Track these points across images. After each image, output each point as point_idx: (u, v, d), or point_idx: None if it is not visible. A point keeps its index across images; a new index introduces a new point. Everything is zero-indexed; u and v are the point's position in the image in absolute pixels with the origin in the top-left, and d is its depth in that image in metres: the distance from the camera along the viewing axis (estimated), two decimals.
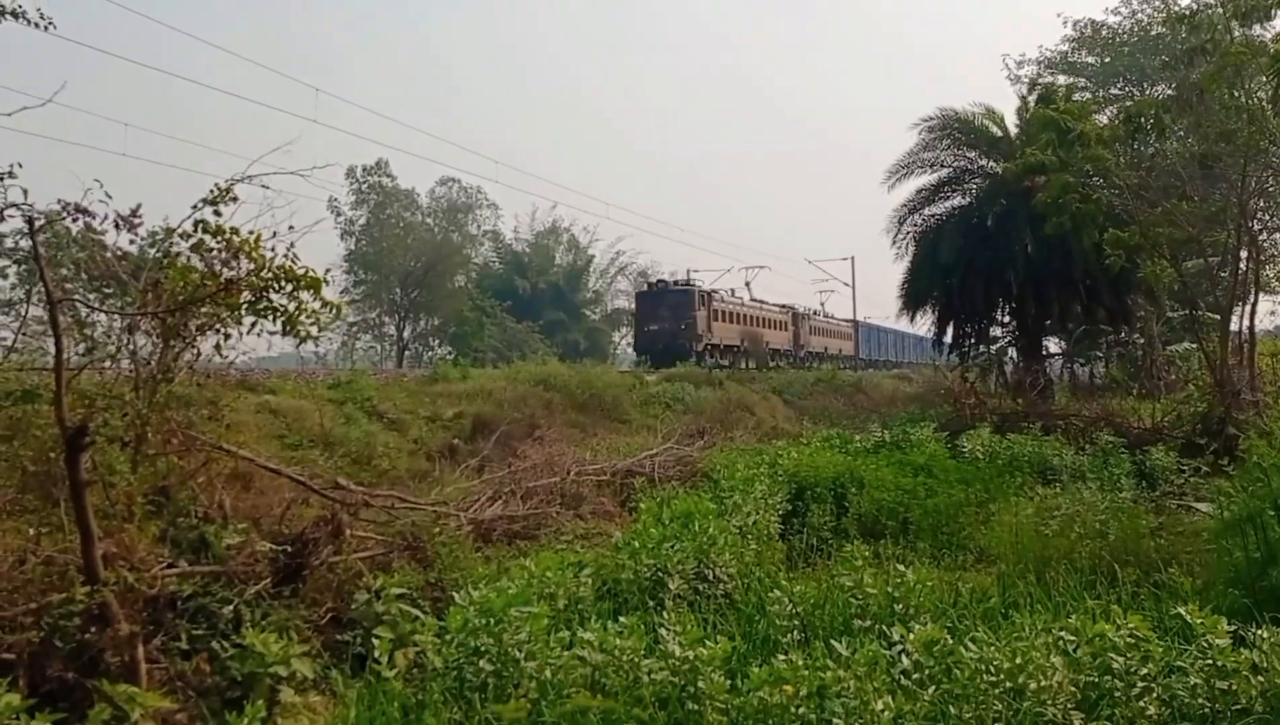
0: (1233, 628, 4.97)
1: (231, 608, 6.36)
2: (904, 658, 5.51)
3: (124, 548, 6.17)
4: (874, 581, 7.53)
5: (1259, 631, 4.92)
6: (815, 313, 65.48)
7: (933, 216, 33.82)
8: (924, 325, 35.43)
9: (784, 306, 59.62)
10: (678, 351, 41.44)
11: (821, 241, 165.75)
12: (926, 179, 33.91)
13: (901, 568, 7.83)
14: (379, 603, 6.96)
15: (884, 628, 6.30)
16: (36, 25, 7.45)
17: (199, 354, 7.73)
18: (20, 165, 7.57)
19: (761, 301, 56.80)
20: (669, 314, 45.25)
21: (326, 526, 7.53)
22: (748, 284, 60.71)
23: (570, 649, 6.16)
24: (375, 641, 6.21)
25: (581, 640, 6.15)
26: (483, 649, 6.17)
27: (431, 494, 10.62)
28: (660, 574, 8.14)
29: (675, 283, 49.66)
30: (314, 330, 7.55)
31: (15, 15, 7.11)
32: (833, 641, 5.92)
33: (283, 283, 7.15)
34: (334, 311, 7.45)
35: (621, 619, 6.62)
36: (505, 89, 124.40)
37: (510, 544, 9.93)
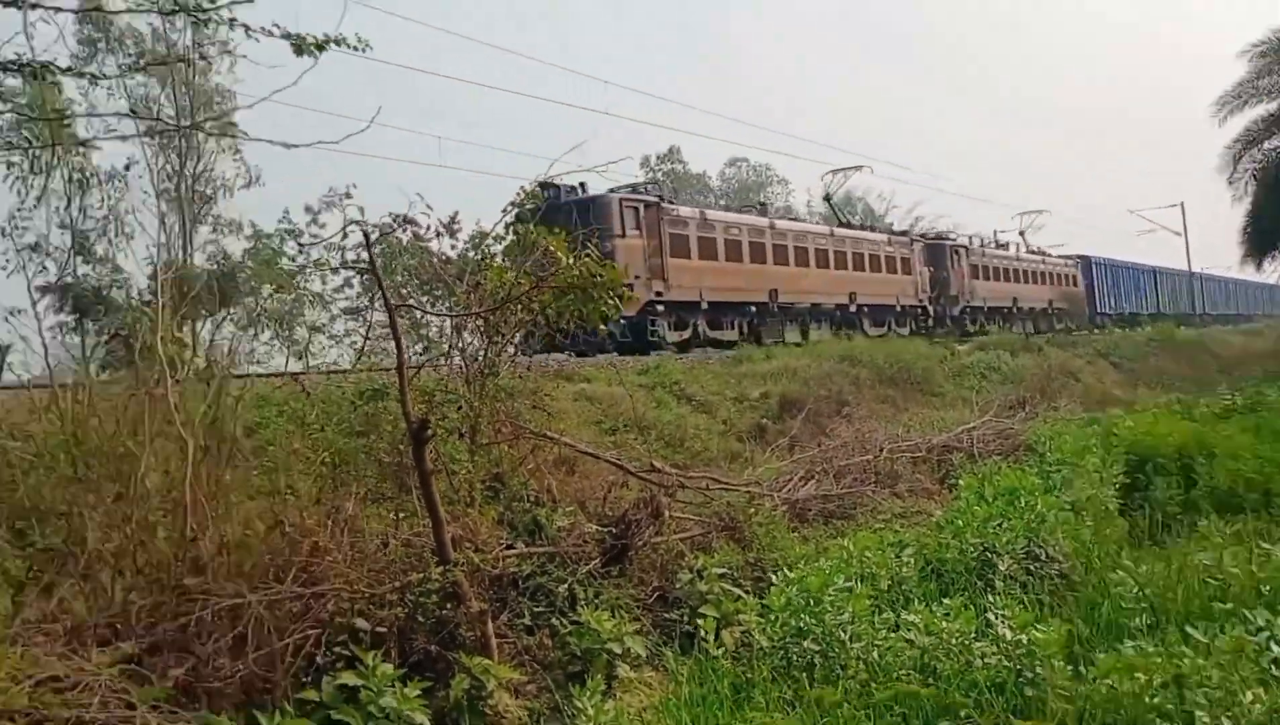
0: None
1: (566, 587, 6.71)
2: (1274, 646, 4.94)
3: (469, 531, 6.66)
4: (1235, 561, 6.82)
5: None
6: (986, 244, 42.86)
7: (1276, 150, 30.09)
8: (1275, 271, 31.63)
9: (899, 235, 37.68)
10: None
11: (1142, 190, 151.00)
12: (1266, 108, 30.18)
13: (1266, 545, 7.06)
14: (702, 582, 7.11)
15: (1248, 613, 5.67)
16: (355, 49, 8.15)
17: (518, 349, 8.26)
18: (355, 186, 8.38)
19: (848, 224, 36.43)
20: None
21: (646, 508, 7.77)
22: (827, 198, 39.53)
23: (896, 631, 6.03)
24: (701, 620, 6.34)
25: (907, 622, 6.01)
26: (806, 629, 6.16)
27: (744, 474, 10.72)
28: (988, 553, 7.79)
29: (579, 189, 22.39)
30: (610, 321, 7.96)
31: (338, 43, 7.82)
32: (1188, 627, 5.42)
33: (591, 281, 7.53)
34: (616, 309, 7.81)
35: (946, 600, 6.41)
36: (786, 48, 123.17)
37: (826, 523, 9.84)
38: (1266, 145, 30.33)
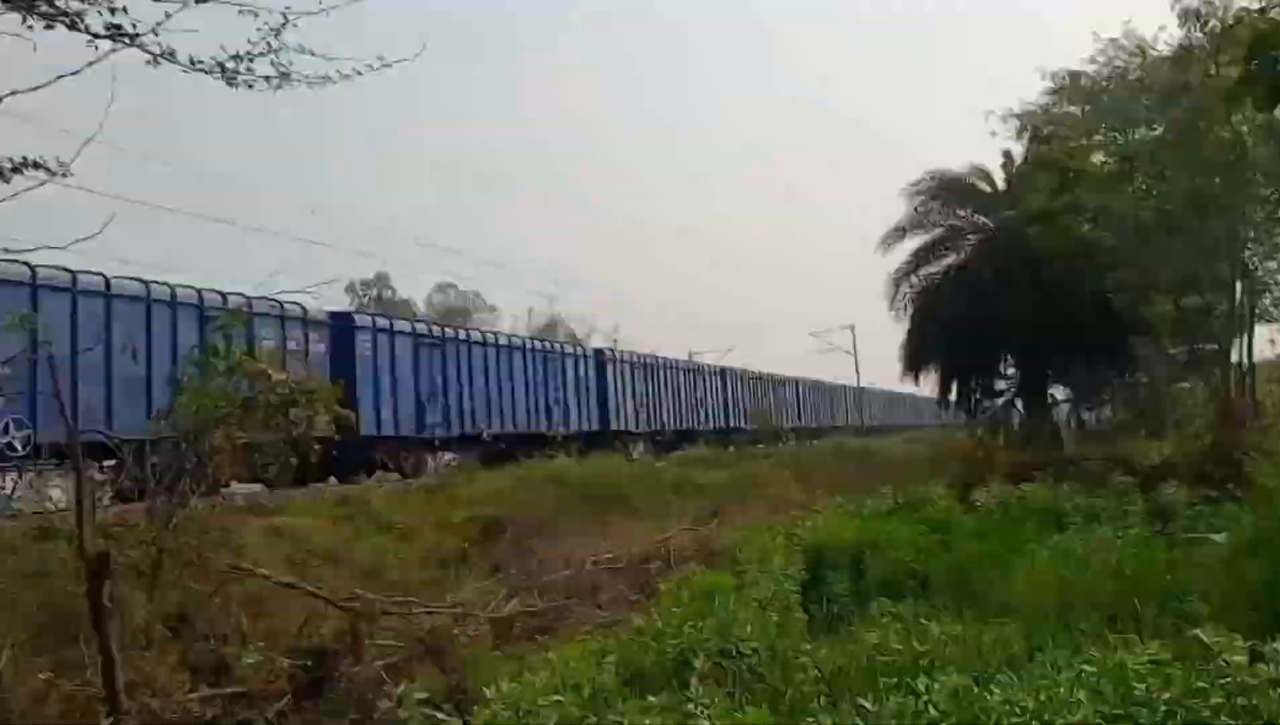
0: (1248, 644, 4.97)
1: None
2: (930, 708, 5.50)
3: (145, 675, 6.20)
4: (898, 638, 7.53)
5: (1274, 645, 4.93)
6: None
7: (929, 276, 34.00)
8: (927, 385, 35.52)
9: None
10: None
11: (824, 311, 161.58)
12: (920, 240, 34.23)
13: (925, 621, 7.83)
14: (402, 709, 6.95)
15: (909, 681, 6.28)
16: None
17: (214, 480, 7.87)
18: None
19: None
20: None
21: (345, 637, 7.55)
22: None
23: None
24: None
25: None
26: None
27: (448, 598, 10.60)
28: (685, 653, 8.10)
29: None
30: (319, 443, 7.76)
31: None
32: (860, 700, 5.92)
33: (300, 397, 7.39)
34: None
35: (651, 699, 6.62)
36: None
37: (531, 640, 9.90)
38: (922, 272, 34.24)
